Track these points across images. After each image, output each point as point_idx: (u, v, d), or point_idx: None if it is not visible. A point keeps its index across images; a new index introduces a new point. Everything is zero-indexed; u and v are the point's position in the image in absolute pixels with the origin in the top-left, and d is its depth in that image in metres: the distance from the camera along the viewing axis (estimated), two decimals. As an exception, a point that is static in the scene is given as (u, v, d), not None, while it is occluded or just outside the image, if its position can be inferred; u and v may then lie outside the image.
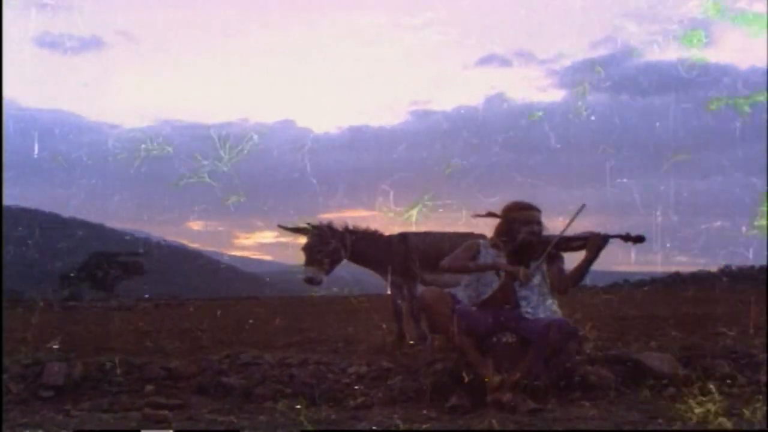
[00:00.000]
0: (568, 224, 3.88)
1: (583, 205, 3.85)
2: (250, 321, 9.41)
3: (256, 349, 5.04)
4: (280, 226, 5.87)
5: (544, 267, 3.96)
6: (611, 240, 3.85)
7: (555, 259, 3.97)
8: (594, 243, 3.82)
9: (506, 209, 4.06)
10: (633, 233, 3.83)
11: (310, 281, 5.67)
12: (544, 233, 3.99)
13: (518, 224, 3.96)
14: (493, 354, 3.85)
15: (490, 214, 4.14)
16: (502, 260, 3.93)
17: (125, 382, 4.34)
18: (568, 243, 3.93)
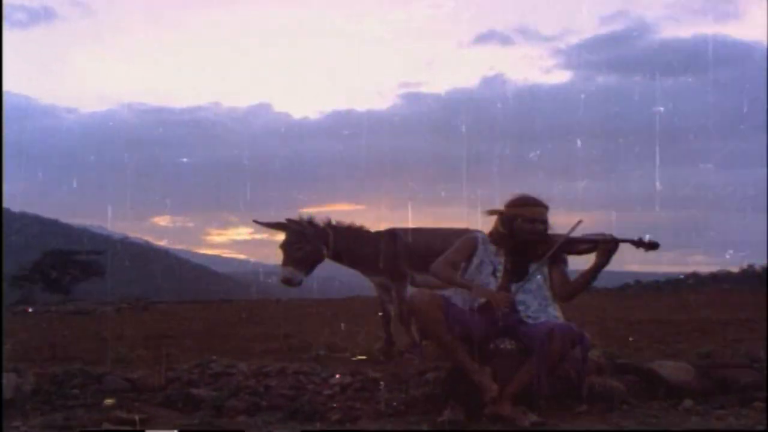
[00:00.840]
0: (575, 226, 3.84)
1: (579, 222, 3.83)
2: (223, 326, 9.40)
3: (228, 358, 5.04)
4: (256, 222, 5.86)
5: (546, 270, 3.96)
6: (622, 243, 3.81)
7: (558, 262, 3.96)
8: (606, 248, 3.79)
9: (509, 203, 4.04)
10: (647, 237, 3.74)
11: (288, 282, 5.67)
12: (550, 232, 3.96)
13: (521, 221, 3.94)
14: (491, 362, 3.85)
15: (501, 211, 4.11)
16: (485, 289, 3.89)
17: (82, 395, 4.32)
18: (575, 245, 3.89)
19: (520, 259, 3.96)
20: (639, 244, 3.74)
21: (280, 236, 5.78)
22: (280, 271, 5.68)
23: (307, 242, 5.69)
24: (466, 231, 5.34)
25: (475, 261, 4.00)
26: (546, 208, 4.01)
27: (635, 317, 9.40)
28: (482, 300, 3.89)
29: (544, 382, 3.69)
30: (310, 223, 5.79)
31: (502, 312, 3.79)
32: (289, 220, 5.76)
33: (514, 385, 3.70)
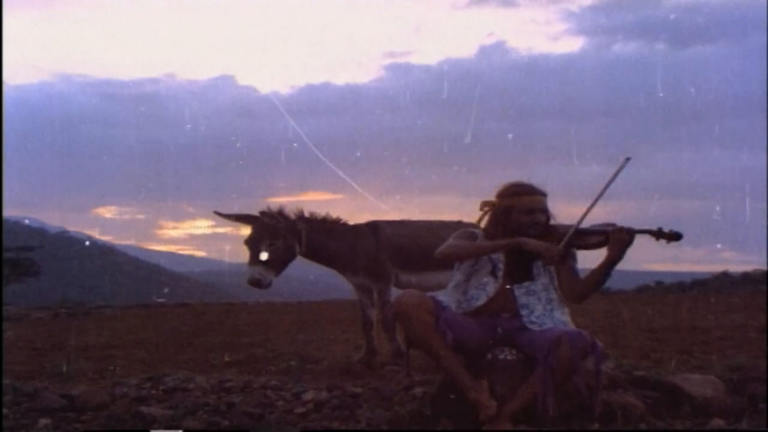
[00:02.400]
0: (591, 206, 3.82)
1: (628, 159, 3.78)
2: (178, 334, 9.39)
3: (184, 371, 5.05)
4: (218, 213, 5.85)
5: (552, 267, 3.96)
6: (639, 236, 3.77)
7: (566, 258, 3.93)
8: (618, 239, 3.76)
9: (502, 193, 4.03)
10: (667, 228, 3.74)
11: (256, 283, 5.68)
12: (552, 223, 3.97)
13: (517, 213, 3.93)
14: (488, 375, 3.86)
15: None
16: (529, 240, 3.84)
17: (13, 415, 4.31)
18: (584, 238, 3.87)
19: (521, 257, 3.95)
20: (658, 234, 3.72)
21: (246, 230, 5.77)
22: (246, 270, 5.68)
23: (278, 237, 5.69)
24: (459, 224, 5.36)
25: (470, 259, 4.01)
26: (544, 195, 4.00)
27: (656, 323, 9.45)
28: (479, 302, 3.91)
29: (550, 399, 3.67)
30: (281, 214, 5.78)
31: (503, 316, 3.80)
32: (263, 213, 5.75)
33: (515, 401, 3.71)
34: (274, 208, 5.79)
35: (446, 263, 4.16)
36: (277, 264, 5.73)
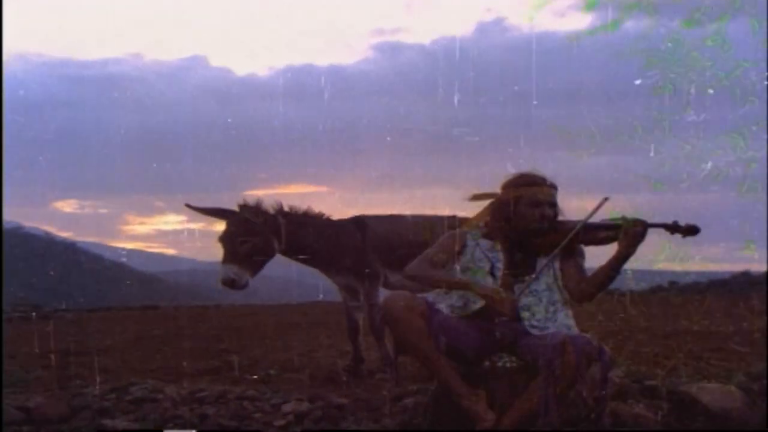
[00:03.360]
0: (600, 204, 3.82)
1: (605, 199, 3.81)
2: (146, 340, 9.38)
3: (153, 380, 5.05)
4: (190, 207, 5.82)
5: (557, 265, 3.96)
6: (652, 230, 3.74)
7: (572, 255, 3.95)
8: (629, 233, 3.73)
9: (508, 184, 4.04)
10: (683, 222, 3.72)
11: (230, 284, 5.66)
12: (560, 218, 3.97)
13: (524, 206, 3.93)
14: (486, 384, 3.87)
15: (495, 195, 4.11)
16: (484, 286, 3.86)
17: (-37, 429, 4.31)
18: (593, 233, 3.87)
19: (524, 254, 3.97)
20: (674, 228, 3.70)
21: (221, 226, 5.76)
22: (219, 269, 5.67)
23: (254, 234, 5.68)
24: (454, 219, 5.35)
25: (465, 258, 4.00)
26: (555, 188, 4.00)
27: (669, 327, 9.46)
28: (476, 304, 3.90)
29: (553, 410, 3.68)
30: (258, 208, 5.77)
31: (502, 319, 3.81)
32: (242, 207, 5.73)
33: (514, 412, 3.72)
34: (251, 201, 5.78)
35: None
36: (254, 263, 5.71)
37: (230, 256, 5.63)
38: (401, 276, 5.73)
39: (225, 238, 5.68)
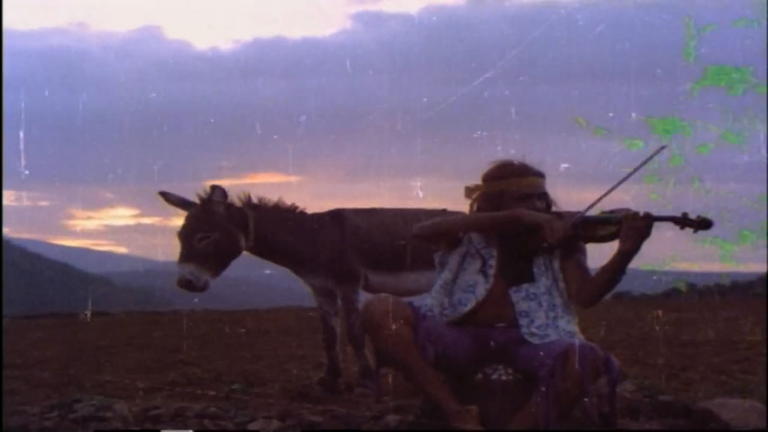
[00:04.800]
0: (608, 192, 3.81)
1: (663, 147, 3.77)
2: (93, 350, 9.35)
3: (102, 395, 5.04)
4: (164, 196, 5.74)
5: (557, 264, 3.95)
6: (659, 224, 3.69)
7: (573, 252, 3.94)
8: (633, 227, 3.69)
9: (489, 175, 4.03)
10: (694, 214, 3.66)
11: (186, 285, 5.61)
12: (554, 210, 3.95)
13: (510, 201, 3.91)
14: (479, 399, 3.87)
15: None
16: (524, 211, 3.83)
17: None
18: (592, 228, 3.82)
19: (517, 252, 3.95)
20: (683, 222, 3.66)
21: (179, 220, 5.71)
22: (177, 269, 5.61)
23: (214, 228, 5.63)
24: (443, 213, 5.36)
25: (459, 252, 4.00)
26: (541, 177, 3.99)
27: (686, 335, 9.50)
28: (467, 308, 3.91)
29: (555, 428, 3.68)
30: (223, 200, 5.71)
31: (498, 325, 3.82)
32: (203, 199, 5.68)
33: (511, 429, 3.74)
34: (218, 193, 5.69)
35: (427, 247, 4.17)
36: (216, 262, 5.65)
37: (187, 254, 5.58)
38: (384, 277, 5.75)
39: (183, 234, 5.63)
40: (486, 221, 3.94)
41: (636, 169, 3.77)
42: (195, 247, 5.55)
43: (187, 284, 5.56)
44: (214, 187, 5.64)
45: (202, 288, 5.60)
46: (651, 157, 3.76)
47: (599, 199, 3.82)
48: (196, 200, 5.69)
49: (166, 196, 5.78)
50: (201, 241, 5.55)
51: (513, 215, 3.84)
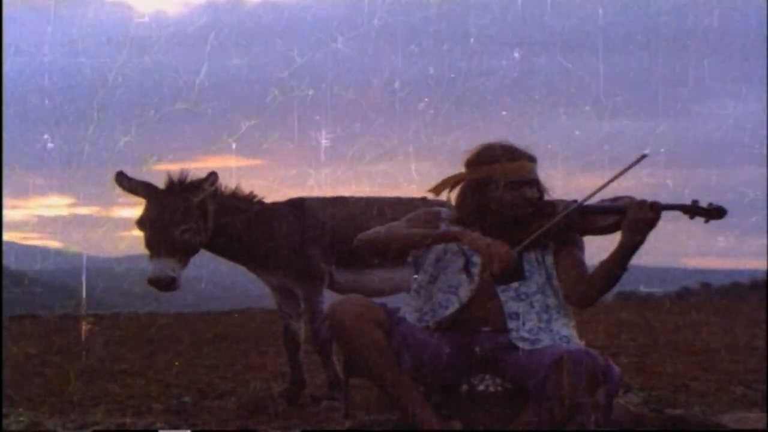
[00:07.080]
0: (607, 183, 3.76)
1: (643, 156, 3.66)
2: (22, 359, 9.34)
3: (31, 410, 5.04)
4: (121, 179, 5.57)
5: (550, 260, 3.95)
6: (667, 213, 3.68)
7: (568, 246, 3.93)
8: (636, 217, 3.66)
9: (472, 161, 3.99)
10: (705, 202, 3.67)
11: (169, 284, 5.38)
12: (547, 198, 3.93)
13: (496, 186, 3.86)
14: (463, 413, 3.89)
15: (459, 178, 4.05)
16: (475, 236, 3.74)
17: None
18: (591, 218, 3.81)
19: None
20: (693, 211, 3.66)
21: (138, 209, 5.55)
22: (150, 265, 5.41)
23: (192, 218, 5.45)
24: (423, 202, 5.35)
25: (434, 250, 3.97)
26: (533, 161, 3.93)
27: (699, 341, 9.54)
28: (449, 311, 3.90)
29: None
30: (200, 186, 5.50)
31: (484, 330, 3.82)
32: (178, 184, 5.51)
33: (499, 449, 3.76)
34: (176, 176, 5.54)
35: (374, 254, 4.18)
36: (188, 256, 5.52)
37: (166, 247, 5.39)
38: (351, 274, 5.72)
39: (155, 224, 5.43)
40: (421, 240, 3.89)
41: (615, 177, 3.72)
42: (177, 240, 5.38)
43: (170, 283, 5.39)
44: (211, 174, 5.52)
45: (173, 286, 5.43)
46: (632, 165, 3.69)
47: (593, 194, 3.78)
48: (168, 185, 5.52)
49: (121, 179, 5.55)
50: (183, 234, 5.39)
51: (450, 235, 3.84)
